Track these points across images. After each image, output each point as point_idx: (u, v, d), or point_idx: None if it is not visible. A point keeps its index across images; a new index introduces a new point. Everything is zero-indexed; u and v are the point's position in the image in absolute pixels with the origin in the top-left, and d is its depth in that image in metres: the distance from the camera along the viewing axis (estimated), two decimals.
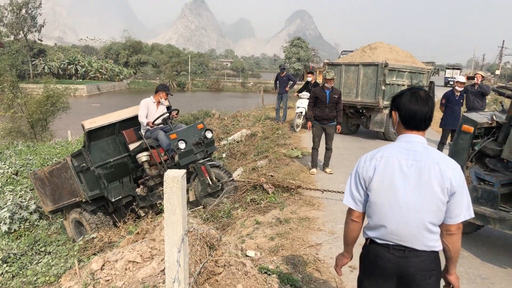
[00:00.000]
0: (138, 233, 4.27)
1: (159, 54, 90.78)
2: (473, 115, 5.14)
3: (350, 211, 2.36)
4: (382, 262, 2.22)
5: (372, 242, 2.29)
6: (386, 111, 11.27)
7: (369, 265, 2.29)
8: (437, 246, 2.18)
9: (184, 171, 2.45)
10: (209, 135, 7.22)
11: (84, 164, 7.42)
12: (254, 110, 19.46)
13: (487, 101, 10.09)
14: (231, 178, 7.06)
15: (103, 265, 3.23)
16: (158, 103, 7.46)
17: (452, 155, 5.00)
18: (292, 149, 9.84)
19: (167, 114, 7.27)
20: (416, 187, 2.12)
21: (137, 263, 3.07)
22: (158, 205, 7.35)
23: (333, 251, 4.65)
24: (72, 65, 76.24)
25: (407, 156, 2.16)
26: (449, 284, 2.34)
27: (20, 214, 9.35)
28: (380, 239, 2.24)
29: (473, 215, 2.19)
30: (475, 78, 9.52)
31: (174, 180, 2.35)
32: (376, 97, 11.02)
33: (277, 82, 13.99)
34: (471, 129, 4.88)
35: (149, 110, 7.34)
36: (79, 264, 5.14)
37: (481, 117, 5.08)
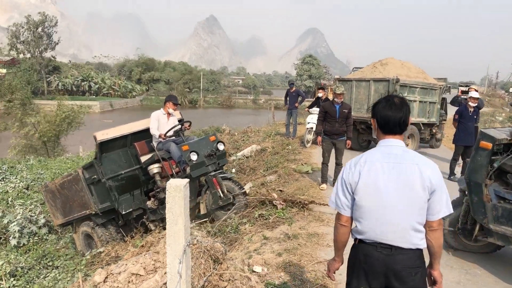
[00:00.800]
0: (142, 246, 4.21)
1: (171, 71, 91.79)
2: (491, 131, 5.00)
3: (338, 216, 2.45)
4: (370, 261, 2.31)
5: (360, 242, 2.38)
6: None
7: (358, 264, 2.36)
8: (422, 244, 2.28)
9: (187, 180, 2.40)
10: (221, 147, 7.20)
11: (95, 176, 7.40)
12: (265, 126, 19.46)
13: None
14: (243, 191, 7.00)
15: (106, 277, 3.17)
16: (168, 114, 7.49)
17: (470, 172, 4.84)
18: (302, 164, 9.76)
19: (179, 126, 7.28)
20: (399, 188, 2.23)
21: (140, 275, 3.00)
22: None
23: (342, 267, 4.52)
24: (85, 82, 77.40)
25: (388, 159, 2.28)
26: (433, 281, 2.43)
27: (30, 228, 9.35)
28: (369, 239, 2.33)
29: (452, 211, 2.32)
30: (469, 92, 9.44)
31: (176, 189, 2.30)
32: None
33: (287, 98, 13.99)
34: (489, 145, 4.69)
35: (160, 122, 7.36)
36: (85, 278, 5.08)
37: (500, 133, 4.92)
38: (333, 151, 7.98)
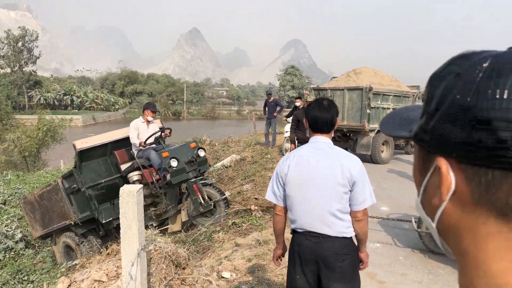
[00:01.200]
0: (108, 253, 4.26)
1: (154, 83, 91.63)
2: None
3: (274, 206, 2.64)
4: (302, 249, 2.48)
5: (294, 232, 2.56)
6: (372, 134, 11.38)
7: (293, 253, 2.53)
8: (348, 232, 2.45)
9: (140, 186, 2.49)
10: (201, 154, 7.23)
11: (75, 186, 7.35)
12: (246, 136, 19.58)
13: None
14: (224, 197, 7.05)
15: (69, 285, 3.22)
16: (148, 122, 7.51)
17: None
18: None
19: (159, 133, 7.32)
20: (322, 179, 2.42)
21: (103, 282, 3.06)
22: (149, 227, 7.27)
23: None
24: (67, 96, 76.76)
25: (315, 154, 2.47)
26: (361, 261, 2.63)
27: (5, 243, 9.26)
28: (300, 228, 2.51)
29: (374, 201, 2.51)
30: None
31: (129, 195, 2.39)
32: (361, 120, 11.15)
33: (266, 107, 14.15)
34: None
35: (139, 130, 7.37)
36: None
37: None
38: None
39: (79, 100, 77.38)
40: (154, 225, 7.41)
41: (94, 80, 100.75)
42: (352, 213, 2.46)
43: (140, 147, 7.17)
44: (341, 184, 2.39)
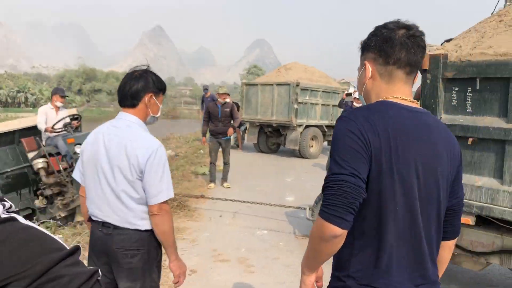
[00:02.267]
0: None
1: (114, 81, 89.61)
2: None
3: (80, 187, 2.35)
4: (93, 239, 2.22)
5: (90, 220, 2.27)
6: (300, 129, 11.58)
7: (90, 242, 2.29)
8: (141, 225, 2.14)
9: None
10: None
11: None
12: (190, 133, 19.65)
13: None
14: None
15: None
16: (57, 108, 7.35)
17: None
18: (201, 166, 9.92)
19: (68, 120, 7.15)
20: (110, 162, 2.13)
21: None
22: (57, 217, 7.09)
23: (184, 257, 4.67)
24: (21, 93, 74.13)
25: (110, 132, 2.19)
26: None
27: None
28: (93, 216, 2.23)
29: (172, 195, 2.16)
30: (352, 94, 9.93)
31: None
32: (289, 115, 11.33)
33: (203, 103, 14.18)
34: None
35: (48, 116, 7.19)
36: None
37: None
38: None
39: (34, 97, 74.87)
40: (62, 215, 7.25)
41: (51, 77, 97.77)
42: (148, 206, 2.13)
43: (48, 133, 7.02)
44: (127, 170, 2.08)
